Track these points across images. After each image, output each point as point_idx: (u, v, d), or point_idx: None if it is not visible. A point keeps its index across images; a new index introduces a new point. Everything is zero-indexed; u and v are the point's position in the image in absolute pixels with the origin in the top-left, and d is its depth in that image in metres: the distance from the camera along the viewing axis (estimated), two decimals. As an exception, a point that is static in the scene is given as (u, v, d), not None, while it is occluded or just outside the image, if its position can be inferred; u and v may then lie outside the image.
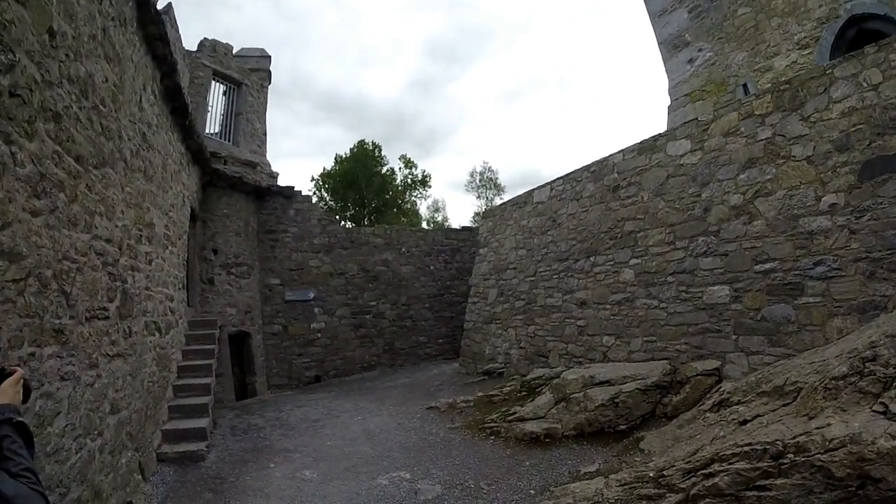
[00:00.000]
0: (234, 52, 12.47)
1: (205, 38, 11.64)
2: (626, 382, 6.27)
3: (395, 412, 8.32)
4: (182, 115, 7.66)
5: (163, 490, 5.32)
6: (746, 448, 3.14)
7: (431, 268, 15.06)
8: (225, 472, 5.85)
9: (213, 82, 11.67)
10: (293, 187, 13.23)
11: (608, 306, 8.18)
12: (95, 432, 4.18)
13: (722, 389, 5.03)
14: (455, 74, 75.85)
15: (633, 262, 7.90)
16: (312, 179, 29.10)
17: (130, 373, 5.39)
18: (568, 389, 6.51)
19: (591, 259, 8.72)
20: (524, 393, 7.83)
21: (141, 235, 6.17)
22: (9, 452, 1.40)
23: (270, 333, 12.46)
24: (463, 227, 17.63)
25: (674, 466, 3.58)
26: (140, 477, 5.21)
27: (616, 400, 6.03)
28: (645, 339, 7.43)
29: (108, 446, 4.43)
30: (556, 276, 9.53)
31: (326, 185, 28.04)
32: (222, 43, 11.92)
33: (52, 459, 3.34)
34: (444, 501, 4.83)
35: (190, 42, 12.91)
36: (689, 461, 3.50)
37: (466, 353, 11.92)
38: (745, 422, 3.78)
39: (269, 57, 13.45)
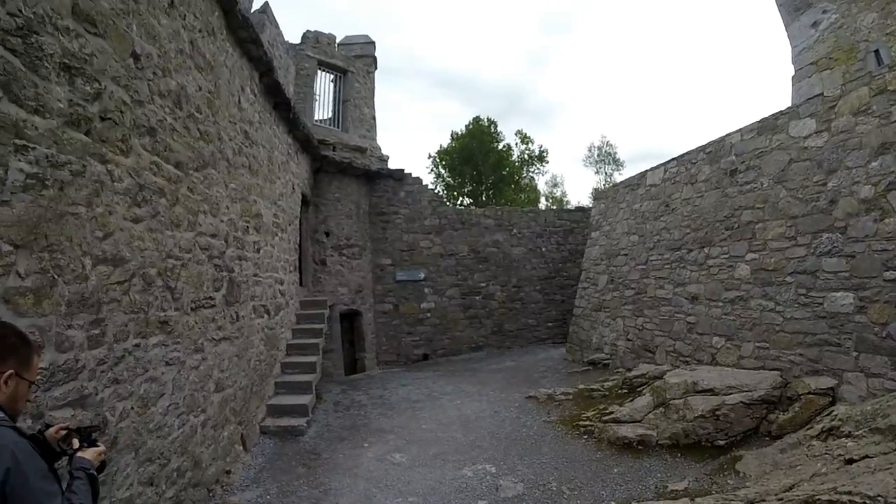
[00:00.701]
0: (337, 40, 13.03)
1: (307, 30, 12.29)
2: (731, 393, 5.78)
3: (495, 398, 8.46)
4: (285, 108, 8.25)
5: (261, 461, 6.00)
6: (845, 498, 2.79)
7: (543, 249, 14.82)
8: (321, 448, 6.42)
9: (318, 72, 12.34)
10: (403, 170, 13.66)
11: (720, 304, 7.54)
12: (199, 409, 4.81)
13: (834, 414, 4.45)
14: (570, 45, 72.27)
15: (749, 256, 7.18)
16: (430, 157, 29.95)
17: (237, 354, 6.07)
18: (668, 394, 6.17)
19: (705, 250, 8.06)
20: (625, 391, 7.56)
21: (248, 226, 6.82)
22: (75, 488, 1.73)
23: (381, 312, 13.17)
24: (577, 207, 17.14)
25: (765, 501, 3.29)
26: (241, 448, 5.91)
27: (717, 412, 5.61)
28: (757, 344, 6.75)
29: (211, 421, 5.08)
30: (668, 266, 8.95)
31: (444, 162, 28.47)
32: (325, 33, 12.49)
33: (154, 435, 3.92)
34: (523, 502, 4.88)
35: (294, 34, 13.60)
36: (783, 498, 3.19)
37: (574, 340, 11.70)
38: (851, 461, 3.34)
39: (374, 42, 13.81)
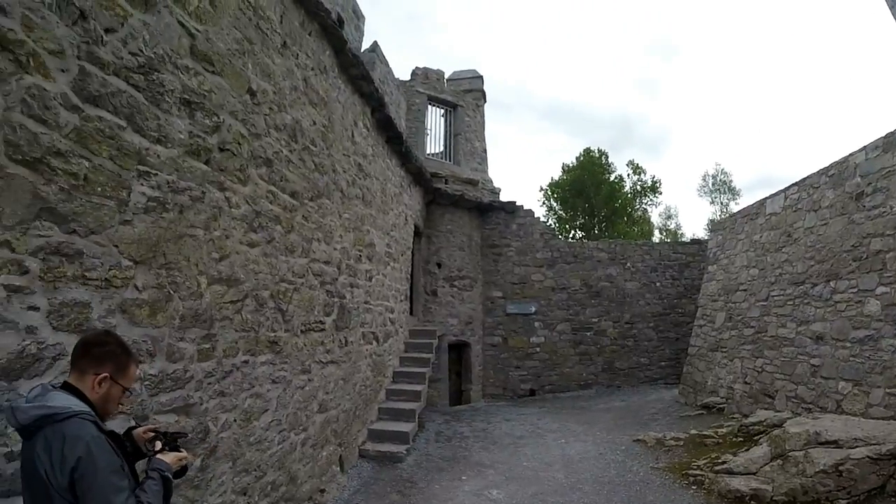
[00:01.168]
0: (446, 76, 13.40)
1: (417, 67, 12.76)
2: (857, 447, 4.84)
3: (601, 440, 7.87)
4: (397, 142, 8.53)
5: (356, 484, 5.98)
6: None
7: (657, 284, 13.87)
8: (417, 476, 6.28)
9: (429, 107, 12.70)
10: (514, 202, 13.55)
11: (847, 344, 6.48)
12: (300, 428, 4.91)
13: None
14: (679, 70, 67.97)
15: (879, 290, 6.15)
16: (541, 189, 29.56)
17: (343, 377, 6.19)
18: (787, 445, 5.30)
19: (831, 284, 6.99)
20: (740, 438, 6.65)
21: (360, 255, 7.04)
22: (146, 487, 1.77)
23: (490, 344, 12.97)
24: (692, 239, 15.88)
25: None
26: (338, 468, 5.94)
27: (841, 468, 4.70)
28: (888, 390, 5.72)
29: (311, 440, 5.17)
30: (791, 303, 7.87)
31: (555, 195, 28.27)
32: (433, 70, 12.90)
33: (254, 448, 4.03)
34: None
35: (403, 71, 14.20)
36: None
37: (687, 382, 10.66)
38: None
39: (481, 77, 14.05)
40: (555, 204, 28.30)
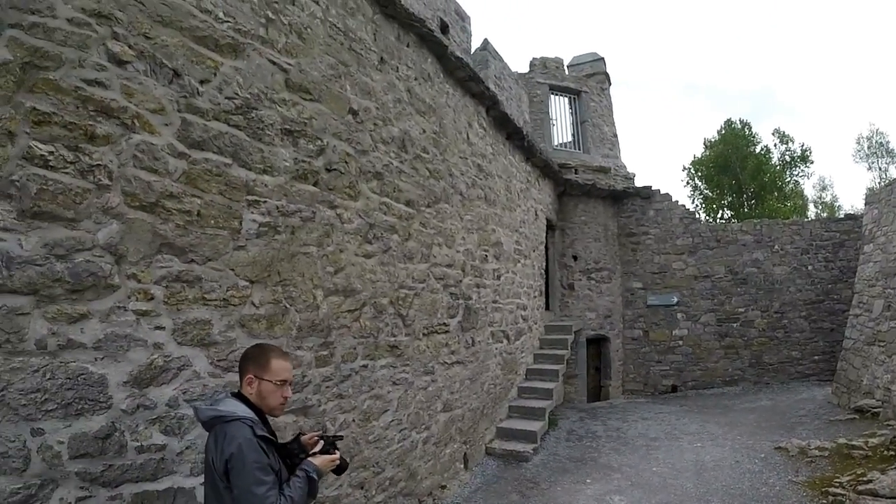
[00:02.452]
0: (566, 63, 12.59)
1: (534, 58, 12.11)
2: None
3: (740, 445, 6.92)
4: (518, 138, 8.23)
5: (478, 481, 5.87)
6: None
7: (809, 268, 11.80)
8: (541, 477, 6.00)
9: (551, 96, 12.04)
10: (650, 187, 12.42)
11: None
12: (423, 427, 4.95)
13: None
14: (816, 27, 55.81)
15: None
16: (684, 169, 27.37)
17: (469, 377, 6.15)
18: None
19: None
20: (892, 452, 5.35)
21: (486, 255, 6.95)
22: (291, 483, 1.96)
23: (630, 338, 12.12)
24: (846, 215, 13.21)
25: None
26: (462, 466, 5.89)
27: None
28: None
29: (434, 438, 5.19)
30: None
31: (699, 173, 26.03)
32: (552, 58, 12.18)
33: (373, 446, 4.13)
34: None
35: (520, 64, 13.62)
36: None
37: (841, 380, 8.85)
38: None
39: (602, 59, 13.03)
40: (699, 183, 25.95)
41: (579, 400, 10.72)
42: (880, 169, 26.97)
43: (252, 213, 3.09)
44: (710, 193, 25.67)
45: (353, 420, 3.89)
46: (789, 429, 7.60)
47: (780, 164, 25.59)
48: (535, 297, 9.42)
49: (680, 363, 11.78)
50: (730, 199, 25.12)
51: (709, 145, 26.07)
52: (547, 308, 10.90)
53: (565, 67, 12.59)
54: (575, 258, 11.61)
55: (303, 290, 3.43)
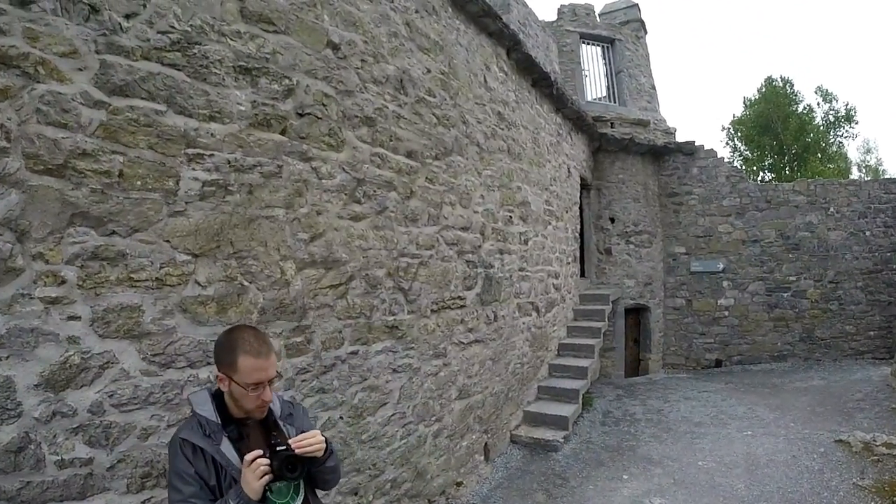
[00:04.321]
0: (597, 11, 11.69)
1: (562, 4, 11.17)
2: None
3: (795, 434, 6.18)
4: (546, 84, 7.33)
5: (500, 476, 5.32)
6: None
7: (867, 233, 10.79)
8: (571, 471, 5.40)
9: (582, 45, 11.12)
10: (693, 142, 11.44)
11: None
12: (432, 418, 4.39)
13: None
14: None
15: None
16: (723, 129, 26.93)
17: (491, 357, 5.53)
18: None
19: None
20: None
21: (511, 216, 6.23)
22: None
23: (672, 308, 11.40)
24: None
25: None
26: (482, 458, 5.32)
27: None
28: None
29: (447, 431, 4.64)
30: None
31: (739, 134, 25.18)
32: (581, 4, 11.21)
33: (367, 446, 3.57)
34: None
35: (546, 13, 12.69)
36: None
37: None
38: None
39: (636, 4, 12.05)
40: (739, 144, 25.13)
41: (616, 375, 10.12)
42: (931, 130, 25.24)
43: (193, 169, 2.51)
44: (749, 155, 24.79)
45: (341, 417, 3.32)
46: (848, 415, 6.81)
47: (823, 125, 24.45)
48: (568, 263, 8.68)
49: (725, 336, 11.13)
50: (771, 161, 24.24)
51: (748, 105, 25.11)
52: (582, 275, 10.21)
53: (596, 15, 11.68)
54: (612, 220, 10.82)
55: (266, 262, 2.82)
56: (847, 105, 24.49)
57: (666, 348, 11.36)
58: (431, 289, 4.41)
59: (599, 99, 11.34)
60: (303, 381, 3.02)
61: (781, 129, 23.06)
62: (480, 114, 5.48)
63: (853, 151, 28.80)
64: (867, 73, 48.43)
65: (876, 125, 40.56)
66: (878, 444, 5.53)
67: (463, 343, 4.93)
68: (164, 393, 2.35)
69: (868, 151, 29.31)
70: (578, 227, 9.65)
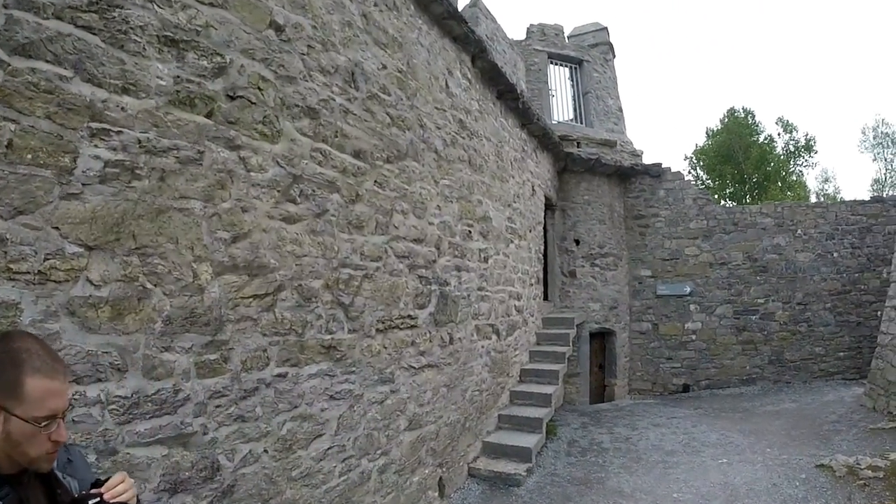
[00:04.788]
0: (566, 32, 12.07)
1: (531, 24, 11.50)
2: None
3: (772, 460, 6.11)
4: (511, 97, 7.31)
5: None
6: None
7: (834, 255, 11.29)
8: None
9: (550, 66, 11.41)
10: (660, 164, 11.74)
11: None
12: (377, 451, 4.05)
13: None
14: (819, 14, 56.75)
15: None
16: (685, 158, 28.56)
17: (446, 384, 5.25)
18: None
19: None
20: None
21: (470, 231, 6.04)
22: None
23: (638, 332, 11.51)
24: (873, 197, 12.85)
25: None
26: (436, 494, 5.00)
27: None
28: None
29: (395, 465, 4.30)
30: None
31: (701, 163, 27.31)
32: (550, 24, 11.57)
33: (300, 483, 3.21)
34: None
35: (515, 31, 13.05)
36: None
37: (877, 380, 8.09)
38: None
39: (605, 28, 12.55)
40: (702, 173, 27.17)
41: (581, 401, 10.03)
42: (886, 160, 27.89)
43: (96, 146, 2.21)
44: (711, 183, 26.54)
45: (266, 451, 2.96)
46: (825, 438, 6.83)
47: (784, 154, 26.32)
48: (531, 284, 8.54)
49: (693, 360, 11.28)
50: (732, 189, 25.97)
51: (711, 134, 27.07)
52: (546, 298, 10.12)
53: (565, 36, 12.06)
54: (577, 242, 10.84)
55: (176, 262, 2.50)
56: (807, 135, 26.39)
57: (632, 373, 11.39)
58: (377, 305, 4.13)
59: (569, 121, 11.58)
60: (217, 406, 2.66)
61: (743, 158, 24.59)
62: (440, 119, 5.31)
63: (812, 180, 31.56)
64: (825, 103, 52.12)
65: (834, 154, 43.98)
66: (862, 467, 5.47)
67: (414, 367, 4.64)
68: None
69: (826, 180, 31.23)
70: (542, 247, 9.57)
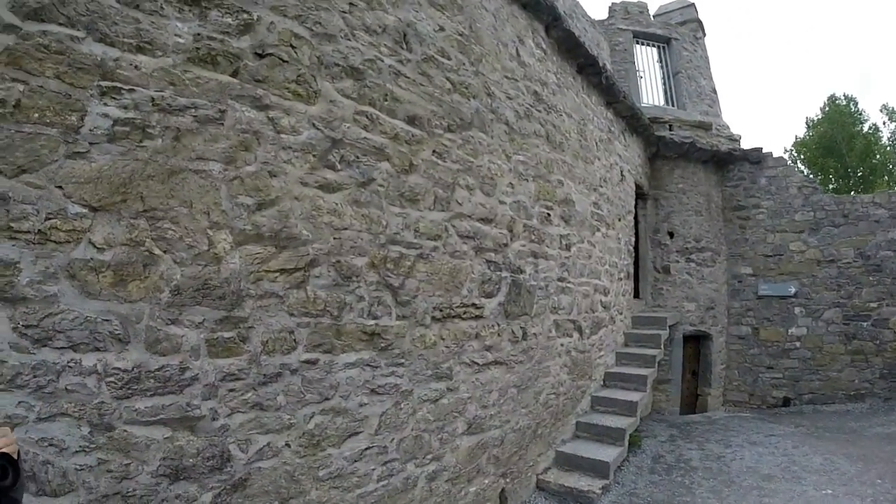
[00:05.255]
0: (651, 11, 11.54)
1: (613, 3, 11.02)
2: None
3: (885, 495, 5.26)
4: (593, 72, 6.82)
5: None
6: None
7: None
8: None
9: (635, 45, 10.86)
10: (761, 149, 10.71)
11: None
12: (428, 457, 3.77)
13: None
14: None
15: None
16: (785, 151, 26.70)
17: (515, 384, 4.89)
18: None
19: None
20: None
21: (549, 214, 5.65)
22: None
23: (736, 336, 10.61)
24: None
25: None
26: (496, 506, 4.62)
27: None
28: None
29: (448, 473, 3.98)
30: None
31: (802, 156, 25.56)
32: (633, 2, 11.03)
33: (328, 485, 2.99)
34: None
35: (597, 13, 12.52)
36: None
37: None
38: None
39: (693, 4, 11.81)
40: (802, 167, 25.01)
41: (671, 411, 9.36)
42: None
43: (105, 104, 2.15)
44: (813, 178, 24.60)
45: (289, 444, 2.77)
46: None
47: (890, 145, 24.42)
48: (620, 279, 7.97)
49: (795, 370, 10.26)
50: (835, 185, 23.92)
51: (811, 125, 25.79)
52: (636, 296, 9.53)
53: (650, 15, 11.50)
54: (671, 235, 10.13)
55: (189, 228, 2.35)
56: None
57: (728, 382, 10.59)
58: (434, 290, 3.84)
59: (660, 105, 11.01)
60: (230, 391, 2.49)
61: (846, 150, 23.29)
62: (511, 89, 4.97)
63: None
64: None
65: None
66: None
67: (477, 364, 4.32)
68: (36, 376, 1.94)
69: (944, 174, 28.00)
70: (633, 239, 8.95)
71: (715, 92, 11.56)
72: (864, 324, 10.06)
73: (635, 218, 9.25)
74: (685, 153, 10.09)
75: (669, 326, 8.74)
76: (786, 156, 25.96)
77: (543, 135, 5.57)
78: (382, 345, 3.37)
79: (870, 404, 9.68)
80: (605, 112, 7.71)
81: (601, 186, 7.25)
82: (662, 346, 7.95)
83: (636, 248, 9.34)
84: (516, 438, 4.91)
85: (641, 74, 10.85)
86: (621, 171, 8.29)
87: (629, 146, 8.80)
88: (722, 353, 10.48)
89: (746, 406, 10.41)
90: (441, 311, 3.91)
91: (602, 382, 7.11)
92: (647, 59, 11.13)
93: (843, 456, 6.57)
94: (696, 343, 10.28)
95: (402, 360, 3.54)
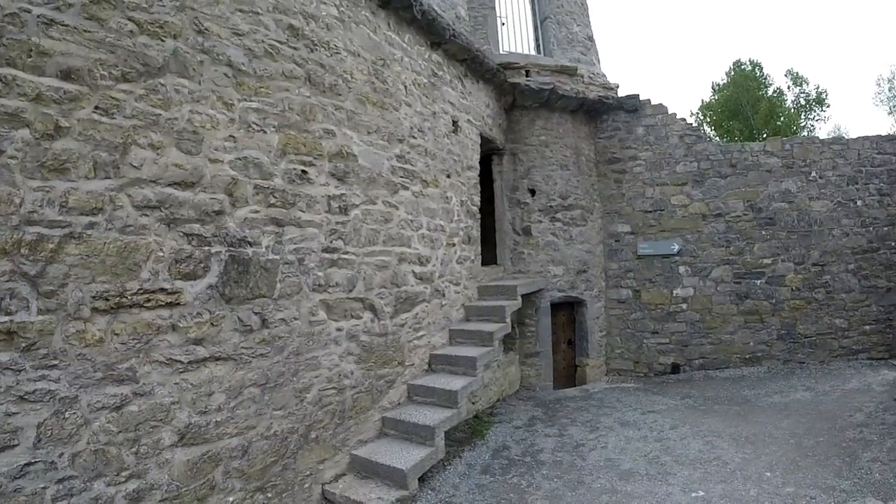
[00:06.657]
0: None
1: None
2: None
3: (773, 494, 5.30)
4: (403, 6, 7.08)
5: None
6: None
7: (857, 203, 11.12)
8: None
9: None
10: (637, 96, 11.51)
11: None
12: (124, 473, 3.81)
13: None
14: None
15: None
16: (692, 114, 32.41)
17: (257, 382, 4.88)
18: None
19: None
20: None
21: (305, 171, 5.60)
22: None
23: (616, 301, 11.50)
24: None
25: None
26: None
27: None
28: None
29: (161, 492, 4.02)
30: None
31: (707, 119, 31.16)
32: None
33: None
34: None
35: None
36: None
37: None
38: None
39: None
40: (709, 129, 30.76)
41: (542, 386, 10.09)
42: (903, 112, 31.23)
43: None
44: (719, 140, 29.84)
45: None
46: (850, 456, 6.05)
47: (794, 108, 30.21)
48: (452, 245, 8.18)
49: (683, 335, 11.24)
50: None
51: (717, 89, 31.52)
52: (496, 263, 10.13)
53: None
54: (532, 192, 10.71)
55: None
56: (818, 88, 30.49)
57: (610, 350, 11.43)
58: (94, 276, 3.74)
59: (526, 53, 11.53)
60: None
61: (751, 113, 28.40)
62: (244, 23, 4.95)
63: (824, 136, 34.18)
64: (837, 54, 58.55)
65: (847, 109, 49.20)
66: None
67: (180, 362, 4.25)
68: None
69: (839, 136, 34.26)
70: (476, 198, 9.21)
71: (591, 39, 12.13)
72: (758, 282, 11.06)
73: (488, 176, 9.53)
74: (546, 102, 10.55)
75: (532, 294, 9.35)
76: (692, 119, 30.63)
77: (301, 76, 5.52)
78: (24, 344, 3.33)
79: (767, 367, 10.72)
80: (428, 53, 7.92)
81: (413, 138, 7.33)
82: (506, 320, 8.20)
83: (491, 208, 9.63)
84: (271, 446, 4.93)
85: (503, 21, 11.25)
86: (455, 121, 8.48)
87: (470, 94, 9.11)
88: (600, 320, 11.22)
89: (632, 375, 11.20)
90: (108, 300, 3.80)
91: (427, 367, 7.28)
92: (516, 5, 11.56)
93: (729, 438, 6.87)
94: (569, 310, 10.93)
95: (55, 362, 3.48)
